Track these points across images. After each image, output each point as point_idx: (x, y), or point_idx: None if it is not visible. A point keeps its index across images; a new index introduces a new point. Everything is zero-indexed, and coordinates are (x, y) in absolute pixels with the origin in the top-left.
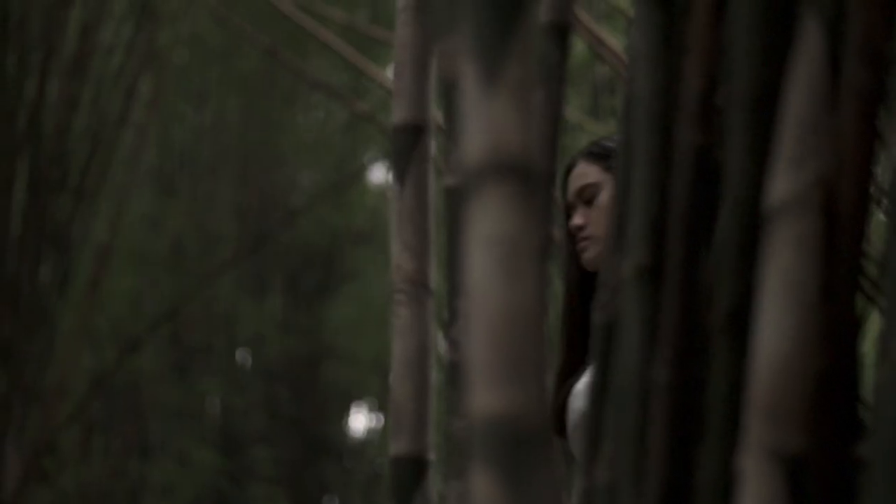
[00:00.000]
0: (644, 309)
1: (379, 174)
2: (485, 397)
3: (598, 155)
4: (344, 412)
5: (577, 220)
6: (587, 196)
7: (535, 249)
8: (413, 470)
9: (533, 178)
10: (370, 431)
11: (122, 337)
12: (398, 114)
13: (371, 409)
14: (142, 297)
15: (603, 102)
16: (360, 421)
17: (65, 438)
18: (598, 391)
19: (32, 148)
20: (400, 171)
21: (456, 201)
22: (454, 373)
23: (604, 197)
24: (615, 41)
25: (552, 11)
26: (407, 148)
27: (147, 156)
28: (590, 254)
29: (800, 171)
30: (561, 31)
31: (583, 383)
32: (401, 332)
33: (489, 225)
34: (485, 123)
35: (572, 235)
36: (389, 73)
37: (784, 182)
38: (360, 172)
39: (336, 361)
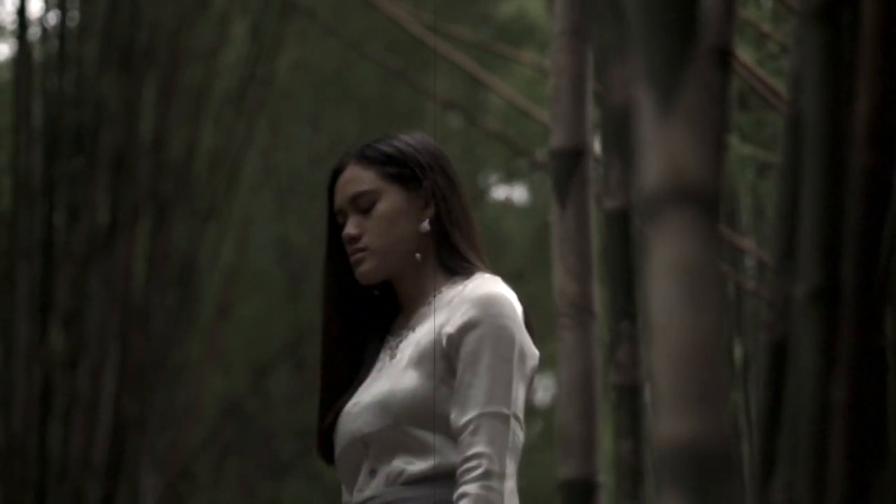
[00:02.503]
0: (820, 330)
1: (499, 190)
2: (672, 424)
3: (374, 160)
4: None
5: (350, 229)
6: (363, 204)
7: (716, 275)
8: (583, 493)
9: (711, 203)
10: None
11: (252, 360)
12: (557, 138)
13: None
14: (269, 319)
15: (732, 118)
16: None
17: (199, 462)
18: (771, 413)
19: (157, 173)
20: (561, 195)
21: (619, 224)
22: (621, 396)
23: (383, 206)
24: (746, 55)
25: (714, 36)
26: (567, 172)
27: (270, 178)
28: (365, 267)
29: None
30: (723, 56)
31: (352, 404)
32: (566, 355)
33: (672, 252)
34: (663, 150)
35: (334, 246)
36: (511, 89)
37: None
38: (483, 193)
39: None
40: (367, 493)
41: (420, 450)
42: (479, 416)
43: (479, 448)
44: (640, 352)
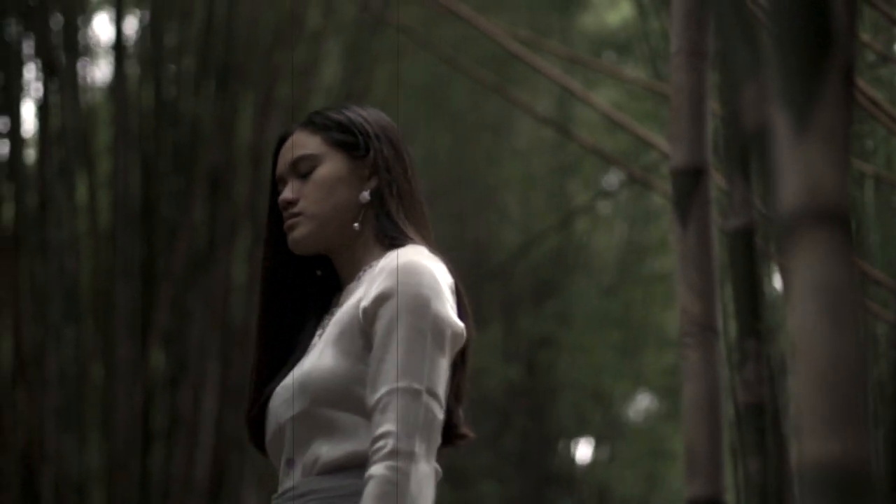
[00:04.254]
0: None
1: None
2: (817, 444)
3: (321, 125)
4: (568, 443)
5: (287, 193)
6: (303, 169)
7: (856, 295)
8: None
9: (846, 222)
10: (595, 463)
11: None
12: (677, 157)
13: (594, 441)
14: None
15: None
16: (584, 451)
17: None
18: None
19: (255, 191)
20: (682, 214)
21: (743, 243)
22: (748, 414)
23: (323, 171)
24: None
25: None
26: (687, 191)
27: None
28: (299, 233)
29: None
30: (847, 71)
31: (282, 386)
32: (690, 375)
33: (812, 273)
34: (800, 169)
35: (273, 220)
36: (604, 102)
37: None
38: (581, 211)
39: (558, 393)
40: (287, 484)
41: (338, 434)
42: (389, 392)
43: (387, 426)
44: (765, 370)
